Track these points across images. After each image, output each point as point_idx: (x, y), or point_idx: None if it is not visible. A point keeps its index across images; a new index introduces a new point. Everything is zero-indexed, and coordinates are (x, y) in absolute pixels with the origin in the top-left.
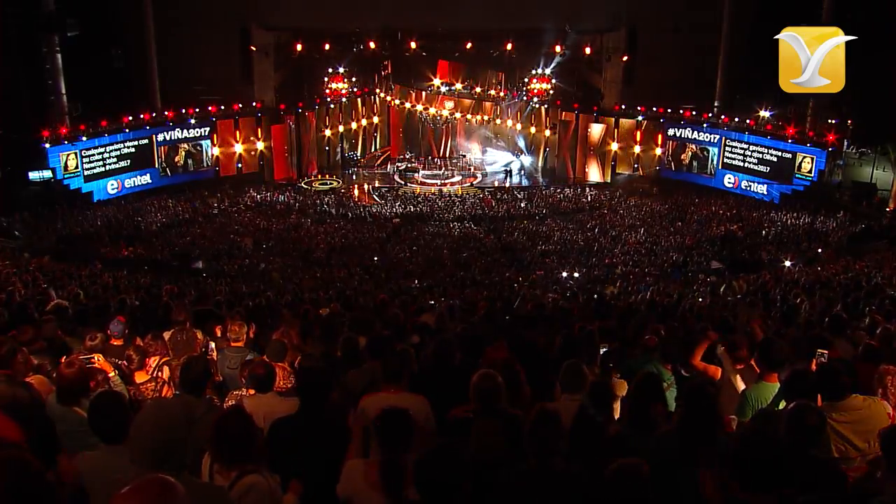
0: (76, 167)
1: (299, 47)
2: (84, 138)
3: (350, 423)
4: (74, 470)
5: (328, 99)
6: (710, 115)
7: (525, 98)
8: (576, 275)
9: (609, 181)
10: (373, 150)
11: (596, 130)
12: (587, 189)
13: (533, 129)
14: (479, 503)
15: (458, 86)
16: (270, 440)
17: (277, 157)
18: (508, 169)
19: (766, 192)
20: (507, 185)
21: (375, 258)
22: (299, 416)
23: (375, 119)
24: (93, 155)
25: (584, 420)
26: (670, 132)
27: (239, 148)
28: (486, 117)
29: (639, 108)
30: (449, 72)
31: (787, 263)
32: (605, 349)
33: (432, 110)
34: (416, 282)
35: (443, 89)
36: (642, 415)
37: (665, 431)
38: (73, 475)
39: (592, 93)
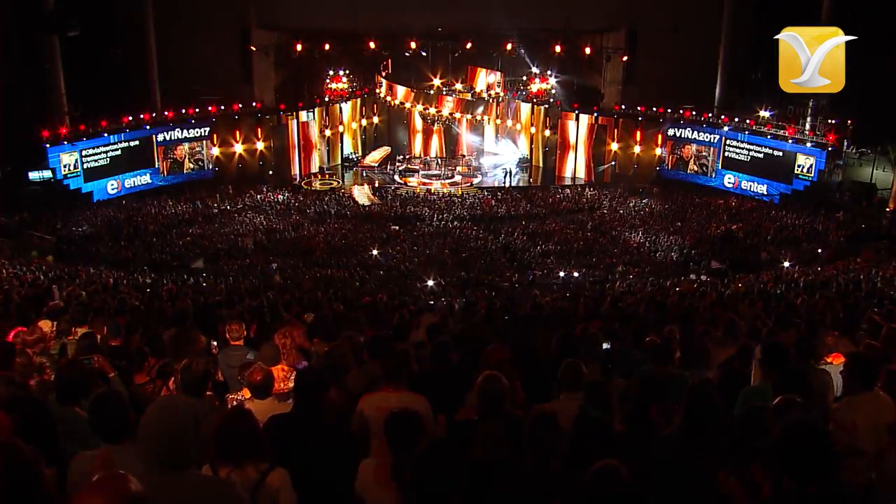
0: (76, 167)
1: (299, 47)
2: (84, 138)
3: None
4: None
5: (328, 99)
6: (710, 115)
7: (525, 98)
8: (575, 274)
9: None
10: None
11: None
12: (587, 189)
13: (533, 129)
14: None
15: (459, 86)
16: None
17: (278, 157)
18: (508, 169)
19: (766, 192)
20: (507, 185)
21: (376, 251)
22: (293, 415)
23: (376, 119)
24: (93, 155)
25: (587, 421)
26: (670, 132)
27: (239, 148)
28: (486, 117)
29: (639, 108)
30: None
31: (787, 264)
32: (606, 346)
33: (432, 110)
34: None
35: (444, 90)
36: (642, 416)
37: (667, 432)
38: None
39: (592, 93)
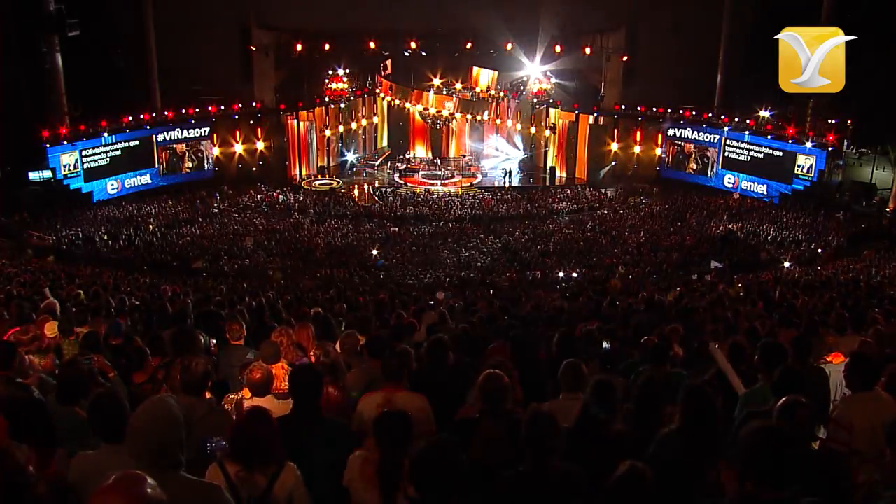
0: (76, 167)
1: (299, 47)
2: (84, 138)
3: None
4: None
5: (328, 99)
6: (710, 115)
7: (525, 98)
8: (574, 275)
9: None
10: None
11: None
12: (587, 189)
13: (533, 129)
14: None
15: (459, 86)
16: None
17: (278, 157)
18: (508, 169)
19: (765, 193)
20: (507, 185)
21: (375, 252)
22: (293, 416)
23: (375, 119)
24: (93, 155)
25: (588, 419)
26: (670, 132)
27: (239, 148)
28: (486, 115)
29: (639, 108)
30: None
31: (787, 264)
32: (607, 345)
33: (432, 110)
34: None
35: (444, 90)
36: (645, 416)
37: (668, 432)
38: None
39: (592, 93)
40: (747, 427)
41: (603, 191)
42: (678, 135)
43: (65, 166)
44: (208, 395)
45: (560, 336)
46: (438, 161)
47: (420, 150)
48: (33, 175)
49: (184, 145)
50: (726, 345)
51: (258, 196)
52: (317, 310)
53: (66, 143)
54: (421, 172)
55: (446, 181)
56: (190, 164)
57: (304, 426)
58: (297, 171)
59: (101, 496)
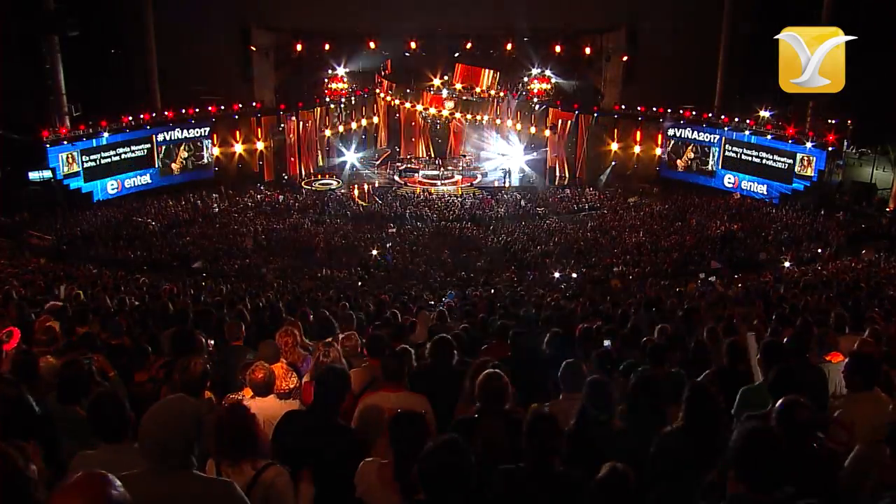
0: (76, 167)
1: (299, 47)
2: (84, 138)
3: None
4: None
5: (328, 99)
6: (710, 115)
7: (525, 98)
8: (574, 275)
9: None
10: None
11: None
12: (587, 189)
13: (533, 129)
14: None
15: (459, 86)
16: (278, 434)
17: (277, 157)
18: (508, 169)
19: (766, 192)
20: (507, 185)
21: (375, 251)
22: (310, 414)
23: (375, 119)
24: (92, 155)
25: (586, 420)
26: (670, 132)
27: (239, 148)
28: (485, 117)
29: (639, 108)
30: (467, 74)
31: (787, 264)
32: (607, 343)
33: (432, 110)
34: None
35: (443, 90)
36: (644, 415)
37: (670, 431)
38: None
39: (592, 93)
40: (740, 428)
41: (604, 190)
42: (678, 135)
43: (65, 166)
44: (208, 395)
45: (552, 335)
46: (438, 161)
47: (420, 150)
48: (33, 175)
49: (183, 153)
50: (726, 343)
51: (258, 196)
52: (304, 309)
53: (66, 143)
54: (421, 172)
55: (446, 181)
56: (185, 155)
57: (320, 427)
58: (298, 171)
59: (62, 496)
